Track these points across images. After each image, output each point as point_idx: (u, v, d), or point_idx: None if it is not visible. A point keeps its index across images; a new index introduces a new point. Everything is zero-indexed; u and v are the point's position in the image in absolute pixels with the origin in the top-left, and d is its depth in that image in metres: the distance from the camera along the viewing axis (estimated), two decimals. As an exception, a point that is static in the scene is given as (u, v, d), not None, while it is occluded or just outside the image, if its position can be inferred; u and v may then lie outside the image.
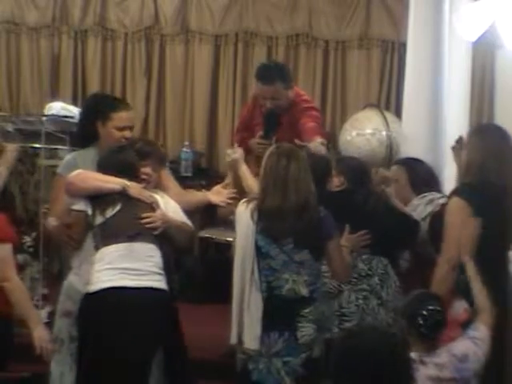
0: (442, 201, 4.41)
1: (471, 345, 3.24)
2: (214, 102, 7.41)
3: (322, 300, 3.76)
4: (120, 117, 4.11)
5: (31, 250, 5.50)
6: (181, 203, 4.08)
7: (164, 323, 3.73)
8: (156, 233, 3.79)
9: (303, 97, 5.09)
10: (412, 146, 5.11)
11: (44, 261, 5.51)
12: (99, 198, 3.81)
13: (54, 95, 7.27)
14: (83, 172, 3.92)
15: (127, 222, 3.77)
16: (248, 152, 4.96)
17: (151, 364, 3.74)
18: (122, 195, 3.81)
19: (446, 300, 3.49)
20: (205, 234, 6.51)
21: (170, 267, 3.94)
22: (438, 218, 3.91)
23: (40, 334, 3.74)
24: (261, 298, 3.67)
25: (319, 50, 7.29)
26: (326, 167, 4.21)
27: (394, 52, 7.16)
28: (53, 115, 6.19)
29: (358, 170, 4.30)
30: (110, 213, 3.78)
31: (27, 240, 5.43)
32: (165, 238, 3.85)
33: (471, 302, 3.50)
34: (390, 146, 6.23)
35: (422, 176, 4.67)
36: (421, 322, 3.20)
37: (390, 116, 6.54)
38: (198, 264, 6.72)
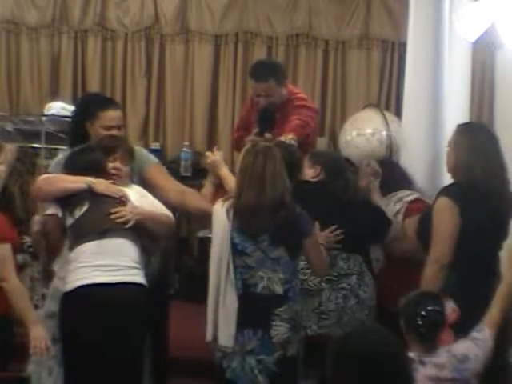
0: (410, 198, 4.45)
1: (472, 345, 3.24)
2: (214, 102, 7.41)
3: (297, 299, 3.76)
4: (107, 116, 4.11)
5: (31, 249, 5.49)
6: (179, 203, 4.07)
7: (142, 317, 3.71)
8: (127, 226, 3.76)
9: (297, 94, 5.09)
10: (412, 146, 5.11)
11: (44, 261, 5.50)
12: (67, 200, 3.81)
13: (54, 95, 7.26)
14: (49, 176, 3.95)
15: (96, 219, 3.77)
16: None
17: (139, 360, 3.73)
18: (89, 193, 3.80)
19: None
20: (205, 234, 6.51)
21: (170, 266, 3.94)
22: (426, 218, 3.91)
23: (37, 334, 3.73)
24: (236, 296, 3.68)
25: (319, 50, 7.29)
26: (292, 157, 4.21)
27: (394, 52, 7.16)
28: (53, 115, 6.19)
29: (334, 161, 4.31)
30: (78, 213, 3.78)
31: (27, 240, 5.42)
32: (140, 230, 3.83)
33: (460, 303, 3.49)
34: (390, 146, 6.24)
35: (394, 177, 4.68)
36: (420, 322, 3.20)
37: (389, 116, 6.55)
38: (197, 264, 6.71)
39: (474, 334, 3.28)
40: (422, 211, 4.18)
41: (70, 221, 3.80)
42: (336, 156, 4.43)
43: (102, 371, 3.60)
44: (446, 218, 3.74)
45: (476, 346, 3.24)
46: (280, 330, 3.65)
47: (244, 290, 3.69)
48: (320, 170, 4.23)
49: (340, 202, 4.13)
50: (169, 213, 3.99)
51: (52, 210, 3.86)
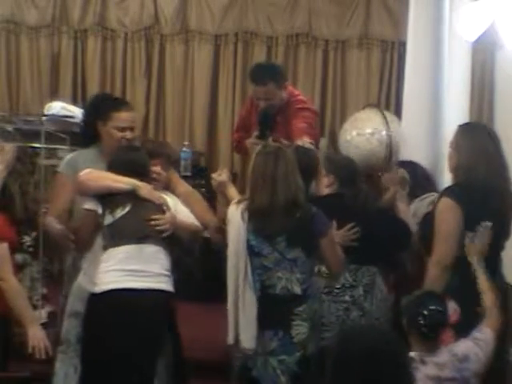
0: None
1: (473, 346, 3.24)
2: (214, 102, 7.42)
3: (315, 297, 3.77)
4: (120, 117, 4.11)
5: (31, 249, 5.49)
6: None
7: (165, 322, 3.75)
8: (165, 235, 3.79)
9: (298, 97, 5.09)
10: (412, 146, 5.10)
11: (44, 261, 5.50)
12: (109, 198, 3.80)
13: (54, 95, 7.26)
14: (94, 171, 3.92)
15: (136, 224, 3.77)
16: (245, 152, 4.96)
17: (155, 366, 3.74)
18: (132, 195, 3.80)
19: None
20: (205, 234, 6.50)
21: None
22: (427, 219, 3.91)
23: (35, 334, 3.72)
24: (255, 297, 3.68)
25: (319, 49, 7.30)
26: (311, 161, 4.20)
27: (393, 52, 7.16)
28: (53, 115, 6.18)
29: (348, 169, 4.25)
30: (119, 213, 3.78)
31: (27, 240, 5.41)
32: (173, 239, 3.85)
33: (461, 304, 3.49)
34: (390, 146, 6.23)
35: (418, 179, 4.65)
36: (422, 321, 3.19)
37: (390, 116, 6.52)
38: (198, 264, 6.71)
39: (476, 334, 3.28)
40: None
41: (108, 219, 3.78)
42: (349, 162, 4.36)
43: (120, 374, 3.61)
44: (448, 219, 3.72)
45: (477, 346, 3.24)
46: (301, 329, 3.66)
47: (263, 292, 3.69)
48: (334, 178, 4.18)
49: (352, 214, 4.06)
50: (197, 223, 4.04)
51: (90, 205, 3.83)
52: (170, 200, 3.97)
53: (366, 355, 2.46)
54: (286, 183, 3.67)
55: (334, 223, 3.92)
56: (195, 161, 7.06)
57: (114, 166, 3.91)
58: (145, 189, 3.84)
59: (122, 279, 3.67)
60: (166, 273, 3.77)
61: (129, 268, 3.69)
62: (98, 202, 3.82)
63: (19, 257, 5.15)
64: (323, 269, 3.96)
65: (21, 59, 7.57)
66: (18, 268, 4.84)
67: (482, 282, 3.48)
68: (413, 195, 4.55)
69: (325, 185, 4.20)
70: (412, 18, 5.20)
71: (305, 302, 3.69)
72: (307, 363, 3.67)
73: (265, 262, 3.69)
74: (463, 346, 3.24)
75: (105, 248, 3.77)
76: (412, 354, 3.11)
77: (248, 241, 3.70)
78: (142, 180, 3.87)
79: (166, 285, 3.75)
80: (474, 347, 3.23)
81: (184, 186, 4.27)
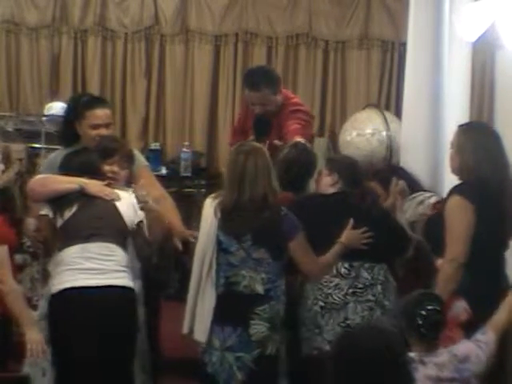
0: (433, 200, 4.40)
1: (474, 347, 3.23)
2: (214, 102, 7.41)
3: (280, 299, 3.77)
4: (93, 114, 4.11)
5: (31, 249, 5.49)
6: None
7: (128, 320, 3.73)
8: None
9: (292, 100, 5.07)
10: (412, 147, 5.10)
11: (44, 261, 5.50)
12: (58, 201, 3.81)
13: (54, 95, 7.27)
14: (43, 176, 3.96)
15: (83, 223, 3.77)
16: None
17: (126, 361, 3.73)
18: (81, 195, 3.80)
19: (447, 300, 3.48)
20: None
21: (170, 266, 3.95)
22: (436, 219, 3.89)
23: (33, 337, 3.72)
24: (215, 293, 3.71)
25: (319, 50, 7.29)
26: (310, 157, 4.18)
27: (394, 52, 7.16)
28: (53, 115, 6.19)
29: (351, 168, 4.24)
30: (67, 214, 3.78)
31: (27, 240, 5.41)
32: (135, 233, 3.85)
33: (472, 303, 3.48)
34: (390, 146, 6.24)
35: (405, 180, 4.63)
36: (420, 322, 3.19)
37: (390, 116, 6.55)
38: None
39: (478, 336, 3.27)
40: None
41: (59, 222, 3.80)
42: (352, 162, 4.36)
43: (90, 373, 3.61)
44: (460, 217, 3.68)
45: (478, 347, 3.23)
46: (259, 328, 3.68)
47: (226, 288, 3.73)
48: (338, 177, 4.15)
49: (359, 213, 4.03)
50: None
51: (45, 210, 3.85)
52: (130, 195, 3.93)
53: (365, 356, 2.46)
54: (253, 182, 3.69)
55: (352, 221, 3.91)
56: (195, 161, 7.06)
57: (65, 169, 3.92)
58: (93, 186, 3.82)
59: (75, 278, 3.67)
60: (122, 269, 3.74)
61: (81, 267, 3.68)
62: (50, 206, 3.83)
63: (19, 257, 5.16)
64: (343, 270, 3.96)
65: (21, 59, 7.56)
66: (18, 268, 4.84)
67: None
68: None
69: (329, 184, 4.18)
70: (412, 18, 5.20)
71: (267, 302, 3.71)
72: (265, 362, 3.69)
73: (231, 258, 3.72)
74: (464, 347, 3.24)
75: (59, 250, 3.78)
76: (412, 354, 3.10)
77: (217, 236, 3.72)
78: (94, 179, 3.86)
79: (123, 280, 3.73)
80: (476, 349, 3.23)
81: (156, 189, 4.24)
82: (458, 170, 3.86)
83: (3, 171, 5.40)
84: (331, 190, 4.16)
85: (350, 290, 3.97)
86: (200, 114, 7.41)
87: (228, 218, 3.71)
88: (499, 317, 3.32)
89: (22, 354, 3.82)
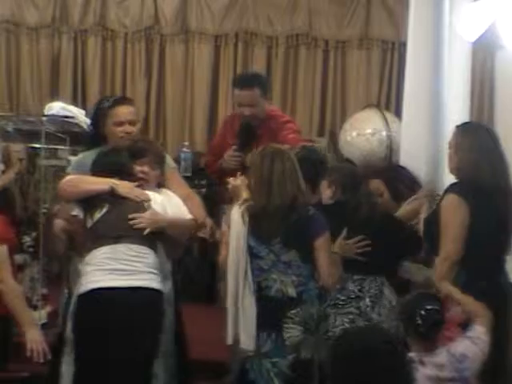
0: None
1: (471, 345, 3.23)
2: (214, 102, 7.42)
3: (313, 301, 3.74)
4: (117, 112, 4.12)
5: (31, 249, 5.50)
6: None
7: (155, 321, 3.73)
8: (145, 233, 3.77)
9: (278, 112, 5.12)
10: (412, 146, 5.10)
11: (44, 261, 5.50)
12: (88, 201, 3.82)
13: (54, 95, 7.27)
14: (73, 177, 3.95)
15: (112, 224, 3.78)
16: (218, 172, 4.93)
17: (150, 364, 3.74)
18: (111, 196, 3.81)
19: (444, 299, 3.48)
20: (205, 234, 6.50)
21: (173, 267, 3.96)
22: (432, 217, 3.90)
23: (33, 337, 3.72)
24: (254, 299, 3.68)
25: (319, 50, 7.31)
26: (318, 157, 4.19)
27: (394, 52, 7.17)
28: (53, 115, 6.18)
29: (348, 177, 4.18)
30: (97, 215, 3.79)
31: (27, 240, 5.42)
32: (159, 237, 3.85)
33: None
34: (390, 146, 6.24)
35: (405, 182, 4.64)
36: (419, 321, 3.19)
37: (390, 116, 6.56)
38: (197, 264, 6.71)
39: (469, 333, 3.27)
40: None
41: (89, 223, 3.80)
42: (350, 170, 4.32)
43: (112, 373, 3.61)
44: (455, 215, 3.68)
45: (474, 344, 3.23)
46: (292, 332, 3.65)
47: (259, 293, 3.70)
48: (335, 189, 4.13)
49: (355, 223, 4.00)
50: (191, 216, 4.01)
51: (76, 210, 3.86)
52: (161, 196, 3.95)
53: (365, 356, 2.46)
54: (281, 185, 3.67)
55: (345, 232, 3.89)
56: (195, 161, 7.06)
57: (96, 169, 3.93)
58: (123, 187, 3.83)
59: (103, 279, 3.68)
60: (151, 270, 3.75)
61: (109, 267, 3.69)
62: (81, 206, 3.84)
63: (19, 257, 5.15)
64: None
65: (21, 59, 7.57)
66: (18, 268, 4.84)
67: (453, 293, 3.45)
68: (400, 198, 4.54)
69: (328, 196, 4.14)
70: (412, 18, 5.20)
71: (299, 305, 3.68)
72: (301, 367, 3.66)
73: (261, 263, 3.70)
74: (461, 346, 3.23)
75: (88, 250, 3.79)
76: (411, 354, 3.10)
77: (247, 242, 3.70)
78: (124, 179, 3.87)
79: (150, 282, 3.73)
80: (472, 346, 3.23)
81: (184, 189, 4.25)
82: (455, 170, 3.86)
83: (3, 171, 5.41)
84: (330, 202, 4.14)
85: (332, 302, 3.94)
86: (200, 114, 7.42)
87: (257, 223, 3.69)
88: (477, 312, 3.33)
89: (22, 355, 3.83)
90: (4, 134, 5.74)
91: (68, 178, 3.94)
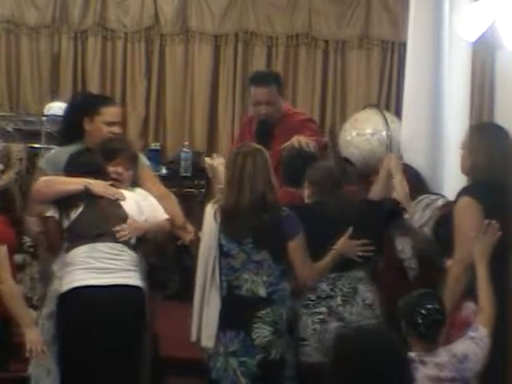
0: (440, 202, 4.37)
1: (472, 345, 3.23)
2: (214, 102, 7.41)
3: (284, 302, 3.73)
4: (109, 111, 4.13)
5: (31, 249, 5.50)
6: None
7: (137, 318, 3.75)
8: (131, 242, 3.82)
9: (296, 110, 5.14)
10: (412, 146, 5.10)
11: (43, 261, 5.49)
12: (63, 202, 3.84)
13: (54, 95, 7.27)
14: (47, 178, 3.97)
15: (90, 223, 3.80)
16: None
17: (134, 361, 3.74)
18: (86, 195, 3.83)
19: (457, 301, 3.48)
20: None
21: (171, 266, 3.95)
22: (445, 220, 3.87)
23: (32, 337, 3.73)
24: (219, 297, 3.69)
25: (319, 50, 7.30)
26: (309, 154, 4.23)
27: (393, 52, 7.16)
28: (53, 115, 6.19)
29: (324, 178, 4.14)
30: (73, 215, 3.82)
31: (27, 240, 5.42)
32: (142, 240, 3.89)
33: (476, 304, 3.47)
34: (390, 146, 6.24)
35: (411, 182, 4.61)
36: (420, 321, 3.18)
37: (390, 116, 6.56)
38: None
39: (471, 333, 3.27)
40: None
41: (65, 223, 3.83)
42: (327, 171, 4.25)
43: (97, 371, 3.63)
44: (469, 217, 3.65)
45: (476, 345, 3.23)
46: (261, 332, 3.66)
47: (229, 292, 3.70)
48: (312, 189, 4.12)
49: (330, 221, 3.98)
50: (166, 216, 4.02)
51: (51, 211, 3.88)
52: (136, 196, 3.96)
53: (364, 356, 2.46)
54: (252, 183, 3.66)
55: (351, 229, 3.88)
56: (195, 161, 7.05)
57: (69, 170, 3.94)
58: (98, 186, 3.85)
59: (83, 277, 3.71)
60: (130, 268, 3.78)
61: (90, 266, 3.72)
62: (56, 207, 3.85)
63: (19, 257, 5.16)
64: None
65: (21, 59, 7.57)
66: (18, 268, 4.84)
67: (482, 280, 3.46)
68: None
69: (306, 197, 4.14)
70: (412, 18, 5.20)
71: (269, 305, 3.68)
72: (269, 367, 3.66)
73: (233, 262, 3.70)
74: (462, 346, 3.23)
75: (67, 250, 3.82)
76: (411, 354, 3.10)
77: (218, 240, 3.71)
78: (98, 179, 3.88)
79: (131, 279, 3.76)
80: (473, 346, 3.23)
81: (158, 188, 4.25)
82: (469, 171, 3.83)
83: (3, 171, 5.41)
84: (308, 201, 4.13)
85: (305, 302, 3.92)
86: (200, 114, 7.41)
87: (228, 221, 3.70)
88: (483, 310, 3.33)
89: (22, 355, 3.83)
90: (4, 134, 5.75)
91: (42, 179, 3.96)
